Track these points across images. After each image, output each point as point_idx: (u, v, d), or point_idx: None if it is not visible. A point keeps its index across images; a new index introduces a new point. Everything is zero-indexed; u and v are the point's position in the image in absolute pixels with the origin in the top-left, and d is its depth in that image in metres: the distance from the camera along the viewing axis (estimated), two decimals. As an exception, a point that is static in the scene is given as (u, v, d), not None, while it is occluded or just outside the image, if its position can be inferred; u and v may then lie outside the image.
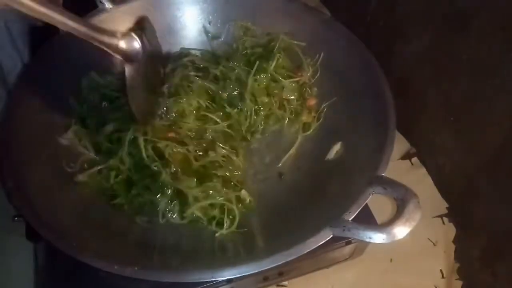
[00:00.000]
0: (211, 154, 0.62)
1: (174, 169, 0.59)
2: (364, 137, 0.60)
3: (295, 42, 0.73)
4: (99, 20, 0.68)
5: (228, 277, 0.47)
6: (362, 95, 0.64)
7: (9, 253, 0.61)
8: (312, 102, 0.71)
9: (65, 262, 0.49)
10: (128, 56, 0.56)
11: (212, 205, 0.58)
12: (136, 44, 0.57)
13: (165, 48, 0.74)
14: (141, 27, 0.59)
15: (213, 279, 0.47)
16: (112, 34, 0.55)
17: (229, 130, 0.67)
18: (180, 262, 0.52)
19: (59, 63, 0.65)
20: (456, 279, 0.69)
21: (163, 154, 0.60)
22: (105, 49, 0.54)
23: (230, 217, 0.58)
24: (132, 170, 0.60)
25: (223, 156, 0.63)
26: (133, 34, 0.56)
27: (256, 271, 0.46)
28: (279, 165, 0.66)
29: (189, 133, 0.65)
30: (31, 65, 0.65)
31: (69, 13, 0.50)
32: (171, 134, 0.62)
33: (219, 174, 0.61)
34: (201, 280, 0.48)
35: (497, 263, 0.64)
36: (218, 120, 0.66)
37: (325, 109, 0.69)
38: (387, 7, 0.80)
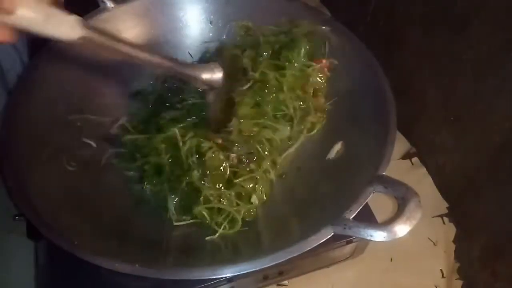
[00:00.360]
0: (252, 166, 0.62)
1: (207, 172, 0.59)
2: (364, 137, 0.60)
3: (320, 26, 0.71)
4: (100, 19, 0.69)
5: (229, 275, 0.47)
6: (362, 95, 0.64)
7: (10, 251, 0.61)
8: (321, 101, 0.70)
9: (66, 260, 0.49)
10: (211, 86, 0.61)
11: (219, 209, 0.58)
12: (218, 74, 0.61)
13: (166, 47, 0.75)
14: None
15: (214, 277, 0.47)
16: (194, 66, 0.61)
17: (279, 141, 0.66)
18: (181, 259, 0.52)
19: (60, 63, 0.65)
20: (456, 279, 0.69)
21: (203, 154, 0.60)
22: (191, 82, 0.60)
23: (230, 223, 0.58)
24: (166, 160, 0.61)
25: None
26: (213, 65, 0.61)
27: (257, 268, 0.46)
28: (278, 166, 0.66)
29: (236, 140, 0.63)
30: (31, 65, 0.65)
31: (155, 52, 0.55)
32: (219, 141, 0.62)
33: (245, 186, 0.60)
34: (202, 278, 0.48)
35: (497, 263, 0.64)
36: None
37: (326, 109, 0.69)
38: (387, 7, 0.80)
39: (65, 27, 0.45)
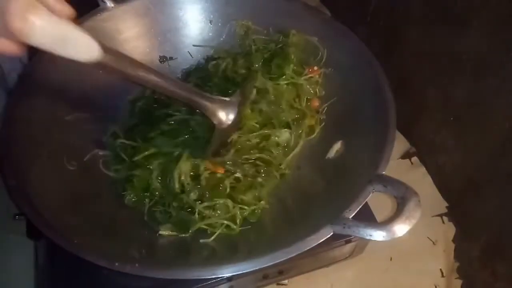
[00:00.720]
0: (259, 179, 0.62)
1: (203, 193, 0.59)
2: (364, 136, 0.60)
3: (307, 36, 0.72)
4: (100, 18, 0.69)
5: (229, 274, 0.47)
6: (362, 95, 0.64)
7: (10, 251, 0.61)
8: (316, 103, 0.70)
9: (66, 260, 0.49)
10: (222, 122, 0.61)
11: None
12: (231, 115, 0.61)
13: (166, 47, 0.75)
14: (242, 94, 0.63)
15: (214, 276, 0.47)
16: (211, 99, 0.59)
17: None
18: (180, 259, 0.52)
19: (60, 63, 0.65)
20: (455, 278, 0.69)
21: (199, 175, 0.60)
22: (203, 112, 0.59)
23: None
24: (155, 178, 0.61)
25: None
26: (231, 105, 0.61)
27: (256, 268, 0.46)
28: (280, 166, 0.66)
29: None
30: (32, 65, 0.65)
31: (174, 79, 0.57)
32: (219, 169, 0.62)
33: (245, 198, 0.60)
34: (201, 277, 0.48)
35: (497, 263, 0.64)
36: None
37: (325, 109, 0.70)
38: (387, 7, 0.80)
39: (83, 49, 0.43)
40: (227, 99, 0.62)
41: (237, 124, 0.62)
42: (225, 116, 0.60)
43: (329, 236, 0.47)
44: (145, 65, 0.52)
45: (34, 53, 0.66)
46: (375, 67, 0.64)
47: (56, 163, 0.60)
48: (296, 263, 0.60)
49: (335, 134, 0.66)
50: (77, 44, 0.43)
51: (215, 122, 0.60)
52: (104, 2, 0.69)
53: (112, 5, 0.69)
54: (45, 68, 0.64)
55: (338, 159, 0.63)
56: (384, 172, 0.52)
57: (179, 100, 0.59)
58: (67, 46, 0.42)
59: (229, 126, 0.61)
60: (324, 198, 0.57)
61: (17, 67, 0.68)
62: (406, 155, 0.82)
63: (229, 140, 0.62)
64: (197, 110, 0.61)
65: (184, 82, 0.57)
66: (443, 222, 0.74)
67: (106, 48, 0.45)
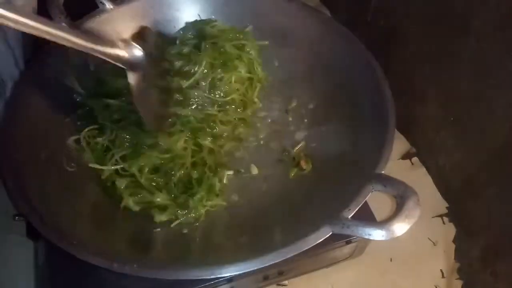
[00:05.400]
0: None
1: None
2: (364, 136, 0.60)
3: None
4: (99, 20, 0.69)
5: (228, 275, 0.47)
6: (362, 95, 0.64)
7: (9, 252, 0.61)
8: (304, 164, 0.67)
9: (66, 260, 0.49)
10: (131, 65, 0.55)
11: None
12: (138, 51, 0.55)
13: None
14: (140, 33, 0.58)
15: (213, 277, 0.47)
16: (112, 43, 0.54)
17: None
18: (180, 259, 0.52)
19: (60, 63, 0.65)
20: (456, 279, 0.69)
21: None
22: (107, 59, 0.53)
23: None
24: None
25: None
26: (133, 42, 0.55)
27: (256, 268, 0.46)
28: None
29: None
30: (32, 64, 0.65)
31: (63, 25, 0.50)
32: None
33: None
34: (201, 278, 0.48)
35: (497, 263, 0.64)
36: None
37: (325, 111, 0.70)
38: (387, 7, 0.80)
39: None
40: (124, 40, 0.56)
41: (152, 62, 0.58)
42: (127, 53, 0.55)
43: (328, 235, 0.47)
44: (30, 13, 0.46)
45: (32, 53, 0.67)
46: (375, 67, 0.64)
47: (55, 164, 0.60)
48: (296, 264, 0.60)
49: (334, 134, 0.66)
50: None
51: (123, 66, 0.54)
52: (103, 4, 0.69)
53: (111, 6, 0.69)
54: (45, 67, 0.64)
55: (337, 159, 0.63)
56: (383, 172, 0.52)
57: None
58: None
59: (142, 68, 0.56)
60: (323, 198, 0.57)
61: (10, 65, 0.67)
62: (406, 156, 0.82)
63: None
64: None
65: (74, 30, 0.50)
66: (444, 222, 0.74)
67: None
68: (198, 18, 0.76)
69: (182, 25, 0.75)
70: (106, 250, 0.50)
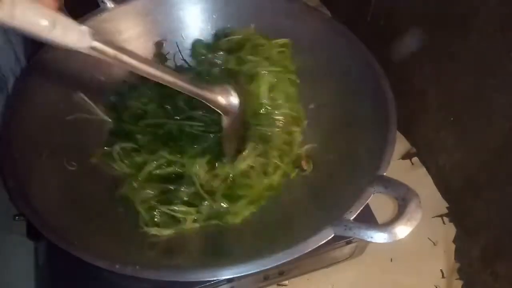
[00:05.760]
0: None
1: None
2: (365, 137, 0.60)
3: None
4: (101, 19, 0.69)
5: (229, 276, 0.47)
6: (362, 95, 0.64)
7: (10, 252, 0.61)
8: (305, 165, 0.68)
9: (66, 260, 0.49)
10: (226, 110, 0.61)
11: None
12: (234, 99, 0.61)
13: (167, 47, 0.75)
14: (237, 81, 0.64)
15: (214, 278, 0.47)
16: (211, 89, 0.59)
17: None
18: (181, 260, 0.52)
19: (60, 62, 0.65)
20: (456, 279, 0.69)
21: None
22: (206, 103, 0.58)
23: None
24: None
25: None
26: (231, 90, 0.60)
27: (257, 270, 0.46)
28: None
29: None
30: (33, 64, 0.65)
31: (171, 70, 0.55)
32: None
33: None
34: (201, 279, 0.48)
35: (497, 263, 0.64)
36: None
37: (325, 111, 0.70)
38: (387, 7, 0.80)
39: (73, 35, 0.42)
40: (223, 86, 0.61)
41: (242, 109, 0.62)
42: (227, 100, 0.60)
43: (330, 237, 0.47)
44: (138, 54, 0.50)
45: (32, 53, 0.67)
46: (375, 67, 0.63)
47: (56, 164, 0.60)
48: (296, 264, 0.60)
49: (335, 135, 0.66)
50: (68, 31, 0.42)
51: (220, 111, 0.60)
52: (104, 3, 0.69)
53: (112, 5, 0.69)
54: (46, 67, 0.64)
55: (338, 161, 0.63)
56: (385, 173, 0.52)
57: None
58: (57, 32, 0.41)
59: (235, 114, 0.61)
60: (325, 200, 0.57)
61: (11, 61, 0.67)
62: (407, 156, 0.82)
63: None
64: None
65: (180, 73, 0.55)
66: (444, 222, 0.74)
67: (98, 36, 0.45)
68: (198, 18, 0.76)
69: (183, 25, 0.76)
70: (107, 250, 0.50)
